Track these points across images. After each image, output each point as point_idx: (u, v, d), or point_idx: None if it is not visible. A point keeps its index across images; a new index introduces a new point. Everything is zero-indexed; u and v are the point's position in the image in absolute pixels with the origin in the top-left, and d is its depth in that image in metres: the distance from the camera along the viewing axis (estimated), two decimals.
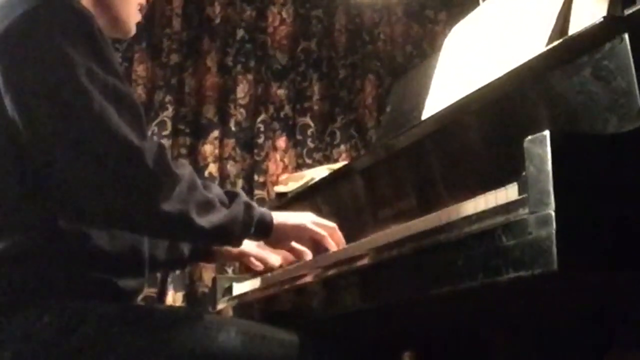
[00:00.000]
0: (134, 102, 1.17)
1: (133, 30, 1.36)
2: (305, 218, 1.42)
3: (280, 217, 1.38)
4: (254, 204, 1.32)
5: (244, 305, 1.67)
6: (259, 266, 1.65)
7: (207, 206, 1.19)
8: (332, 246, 1.41)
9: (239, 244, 1.32)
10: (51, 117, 1.10)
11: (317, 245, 1.42)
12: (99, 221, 1.17)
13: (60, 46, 1.11)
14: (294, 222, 1.40)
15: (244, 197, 1.30)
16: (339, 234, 1.45)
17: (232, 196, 1.28)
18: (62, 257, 1.18)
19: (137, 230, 1.20)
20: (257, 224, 1.31)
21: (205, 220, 1.18)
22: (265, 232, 1.35)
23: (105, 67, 1.14)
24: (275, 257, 1.60)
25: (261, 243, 1.50)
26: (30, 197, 1.16)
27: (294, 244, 1.44)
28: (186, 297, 3.04)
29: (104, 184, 1.11)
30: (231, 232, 1.25)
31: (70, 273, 1.18)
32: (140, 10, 1.36)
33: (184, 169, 1.19)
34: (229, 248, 1.59)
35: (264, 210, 1.35)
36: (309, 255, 1.47)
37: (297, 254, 1.47)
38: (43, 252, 1.16)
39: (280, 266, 1.62)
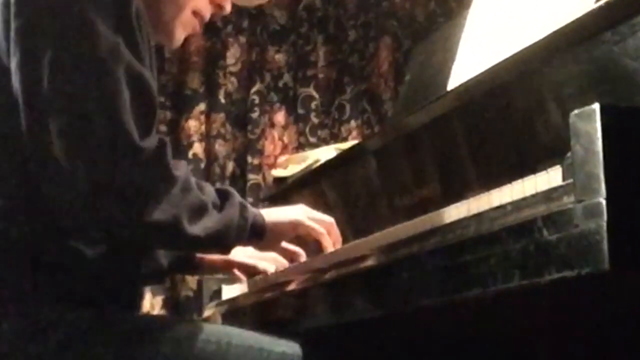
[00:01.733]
0: (152, 98, 1.20)
1: (179, 41, 1.43)
2: (299, 212, 1.44)
3: (272, 216, 1.41)
4: (248, 204, 1.34)
5: (235, 311, 1.68)
6: (242, 278, 1.66)
7: (199, 210, 1.22)
8: (330, 243, 1.44)
9: (229, 251, 1.36)
10: (56, 86, 1.12)
11: (312, 244, 1.44)
12: (76, 220, 1.17)
13: (87, 14, 1.14)
14: (288, 219, 1.42)
15: (237, 196, 1.32)
16: (337, 231, 1.48)
17: (224, 196, 1.29)
18: (28, 256, 1.19)
19: (119, 236, 1.21)
20: (252, 227, 1.33)
21: (198, 227, 1.21)
22: (259, 235, 1.38)
23: (133, 49, 1.18)
24: (266, 264, 1.61)
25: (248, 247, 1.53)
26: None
27: (284, 244, 1.45)
28: (166, 302, 3.06)
29: (90, 174, 1.11)
30: (225, 238, 1.28)
31: (38, 275, 1.19)
32: (195, 24, 1.42)
33: (181, 168, 1.22)
34: (214, 257, 1.61)
35: (255, 210, 1.37)
36: (302, 256, 1.48)
37: (290, 256, 1.48)
38: (5, 250, 1.17)
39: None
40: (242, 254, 1.62)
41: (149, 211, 1.14)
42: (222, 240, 1.28)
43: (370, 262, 1.18)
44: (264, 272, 1.61)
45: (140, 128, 1.15)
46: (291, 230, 1.43)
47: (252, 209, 1.35)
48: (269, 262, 1.62)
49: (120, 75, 1.14)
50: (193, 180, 1.23)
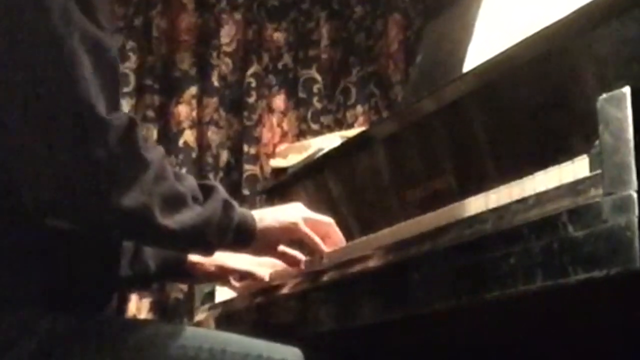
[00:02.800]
0: (114, 64, 1.18)
1: None
2: (294, 214, 1.44)
3: (264, 219, 1.39)
4: (234, 203, 1.33)
5: (230, 315, 1.68)
6: (238, 287, 1.66)
7: (175, 202, 1.21)
8: (323, 251, 1.43)
9: (212, 252, 1.34)
10: (8, 61, 1.12)
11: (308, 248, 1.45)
12: (37, 208, 1.17)
13: None
14: (280, 223, 1.41)
15: (222, 192, 1.31)
16: (337, 232, 1.47)
17: (207, 191, 1.29)
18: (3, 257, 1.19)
19: (84, 224, 1.20)
20: (237, 228, 1.32)
21: (171, 220, 1.19)
22: (246, 239, 1.36)
23: (87, 11, 1.15)
24: (264, 270, 1.61)
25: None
26: None
27: (282, 248, 1.45)
28: (154, 306, 3.06)
29: (50, 155, 1.11)
30: (203, 236, 1.26)
31: (11, 276, 1.19)
32: None
33: (154, 152, 1.20)
34: (206, 263, 1.61)
35: (245, 211, 1.36)
36: (302, 261, 1.48)
37: (289, 261, 1.48)
38: None
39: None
40: (238, 260, 1.62)
41: (116, 195, 1.13)
42: (200, 238, 1.26)
43: (377, 262, 1.18)
44: (262, 280, 1.61)
45: (105, 101, 1.13)
46: (284, 235, 1.42)
47: (241, 210, 1.34)
48: (267, 269, 1.62)
49: (75, 43, 1.12)
50: (170, 169, 1.22)
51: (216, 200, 1.28)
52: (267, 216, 1.41)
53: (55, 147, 1.11)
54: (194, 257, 1.61)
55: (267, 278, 1.60)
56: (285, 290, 1.43)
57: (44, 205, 1.15)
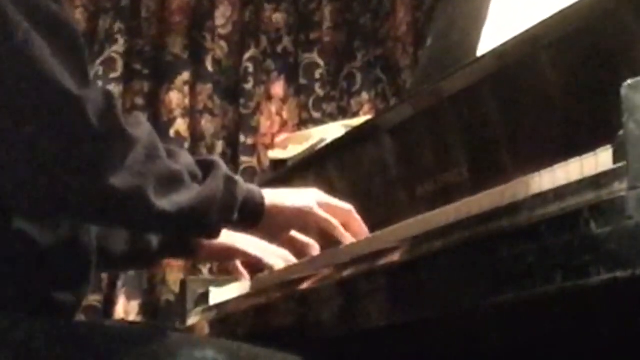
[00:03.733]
0: (75, 36, 1.16)
1: None
2: (309, 198, 1.42)
3: (275, 198, 1.38)
4: (239, 178, 1.32)
5: (226, 318, 1.68)
6: (243, 275, 1.66)
7: (171, 181, 1.20)
8: (347, 238, 1.41)
9: (216, 234, 1.33)
10: None
11: (326, 236, 1.42)
12: (17, 200, 1.17)
13: None
14: (294, 203, 1.40)
15: (223, 168, 1.30)
16: (358, 220, 1.45)
17: (206, 167, 1.28)
18: None
19: (72, 213, 1.20)
20: (243, 206, 1.31)
21: (168, 201, 1.18)
22: (254, 218, 1.36)
23: None
24: (274, 259, 1.60)
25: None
26: None
27: (294, 234, 1.44)
28: (143, 308, 3.06)
29: (25, 146, 1.11)
30: (205, 218, 1.25)
31: None
32: None
33: (141, 128, 1.19)
34: (211, 242, 1.59)
35: (252, 187, 1.35)
36: (315, 249, 1.47)
37: (299, 249, 1.47)
38: None
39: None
40: (248, 243, 1.61)
41: (103, 178, 1.12)
42: (201, 221, 1.25)
43: (384, 261, 1.18)
44: (271, 268, 1.60)
45: (72, 77, 1.12)
46: (297, 218, 1.40)
47: (245, 186, 1.33)
48: (276, 257, 1.60)
49: (28, 22, 1.11)
50: (161, 145, 1.21)
51: (217, 177, 1.27)
52: (278, 195, 1.40)
53: (30, 133, 1.11)
54: None
55: (276, 267, 1.59)
56: (287, 291, 1.43)
57: (21, 197, 1.15)
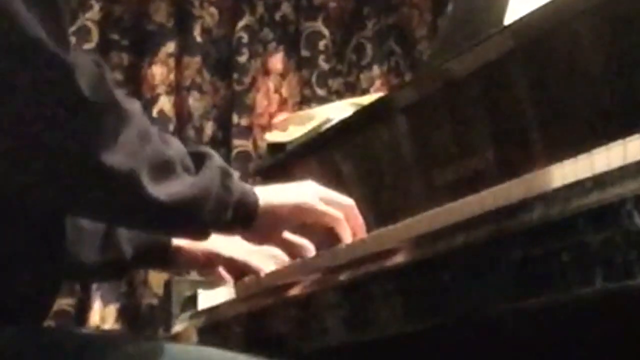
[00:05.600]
0: None
1: None
2: (305, 192, 1.43)
3: (269, 196, 1.39)
4: (234, 173, 1.33)
5: (216, 325, 1.69)
6: (227, 279, 1.67)
7: (163, 168, 1.20)
8: (348, 235, 1.42)
9: (205, 234, 1.34)
10: None
11: (325, 233, 1.43)
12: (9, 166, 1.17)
13: None
14: (291, 201, 1.41)
15: (217, 159, 1.30)
16: (358, 218, 1.46)
17: (199, 158, 1.28)
18: None
19: (57, 192, 1.20)
20: (237, 205, 1.31)
21: (161, 190, 1.18)
22: (247, 219, 1.36)
23: None
24: (261, 260, 1.61)
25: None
26: None
27: (287, 235, 1.45)
28: (122, 313, 3.07)
29: (7, 114, 1.11)
30: (199, 210, 1.25)
31: None
32: None
33: (133, 105, 1.20)
34: (193, 246, 1.61)
35: (243, 184, 1.36)
36: (310, 251, 1.48)
37: (295, 251, 1.47)
38: None
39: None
40: (231, 247, 1.62)
41: (96, 151, 1.11)
42: (195, 213, 1.25)
43: (399, 259, 1.18)
44: (258, 272, 1.61)
45: (57, 40, 1.11)
46: (294, 216, 1.41)
47: (240, 183, 1.34)
48: (265, 259, 1.62)
49: None
50: (153, 128, 1.22)
51: (211, 169, 1.28)
52: (271, 193, 1.40)
53: (12, 99, 1.11)
54: (178, 240, 1.61)
55: (265, 271, 1.60)
56: (285, 294, 1.44)
57: (10, 167, 1.15)
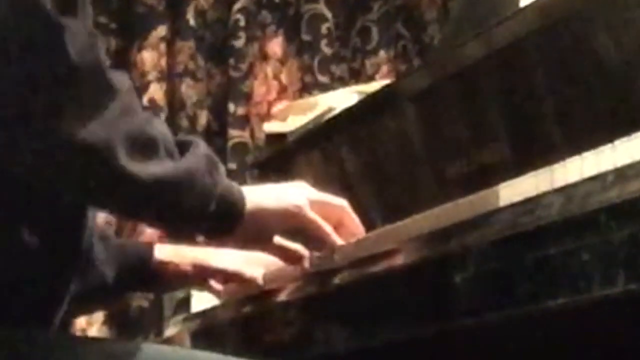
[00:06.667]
0: None
1: None
2: (297, 195, 1.42)
3: (257, 197, 1.38)
4: (219, 163, 1.32)
5: (210, 329, 1.69)
6: (218, 289, 1.68)
7: (144, 146, 1.20)
8: (336, 242, 1.42)
9: (188, 223, 1.33)
10: None
11: (315, 240, 1.43)
12: None
13: None
14: (279, 204, 1.40)
15: (203, 147, 1.30)
16: (354, 221, 1.46)
17: (184, 146, 1.28)
18: None
19: (30, 160, 1.19)
20: (222, 198, 1.30)
21: (141, 167, 1.19)
22: (231, 218, 1.34)
23: None
24: (256, 270, 1.61)
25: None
26: None
27: (278, 240, 1.44)
28: (110, 317, 3.07)
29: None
30: (179, 197, 1.25)
31: None
32: None
33: (122, 79, 1.20)
34: (180, 261, 1.61)
35: (230, 181, 1.35)
36: (304, 257, 1.47)
37: (287, 258, 1.47)
38: None
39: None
40: (222, 258, 1.63)
41: (73, 116, 1.13)
42: (177, 197, 1.25)
43: (406, 259, 1.18)
44: (252, 282, 1.61)
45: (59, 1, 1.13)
46: (282, 221, 1.40)
47: (226, 178, 1.33)
48: (258, 268, 1.61)
49: None
50: (140, 107, 1.23)
51: (196, 155, 1.28)
52: (259, 194, 1.39)
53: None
54: (163, 255, 1.61)
55: (260, 280, 1.61)
56: (282, 297, 1.44)
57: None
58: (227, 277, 1.65)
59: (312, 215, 1.42)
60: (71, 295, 1.50)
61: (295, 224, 1.42)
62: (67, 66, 1.13)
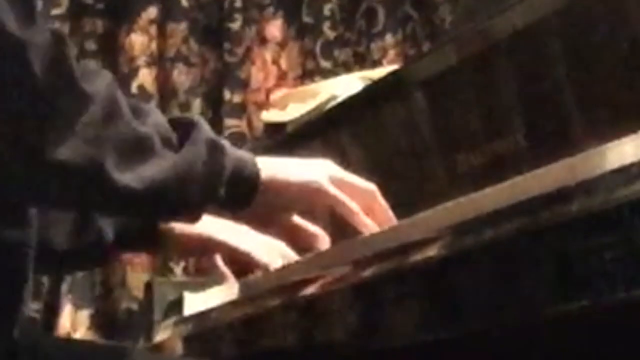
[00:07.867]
0: None
1: None
2: (318, 171, 1.42)
3: (273, 169, 1.38)
4: (226, 142, 1.32)
5: (205, 333, 1.69)
6: (227, 275, 1.67)
7: (136, 148, 1.20)
8: (367, 226, 1.41)
9: (196, 216, 1.34)
10: None
11: (339, 223, 1.42)
12: None
13: None
14: (299, 178, 1.40)
15: (205, 129, 1.31)
16: (383, 206, 1.45)
17: (184, 128, 1.28)
18: None
19: (14, 187, 1.20)
20: (231, 180, 1.31)
21: (133, 175, 1.19)
22: (245, 196, 1.36)
23: None
24: (268, 254, 1.60)
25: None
26: None
27: (297, 220, 1.44)
28: (96, 319, 3.08)
29: None
30: (182, 195, 1.26)
31: None
32: None
33: (98, 79, 1.20)
34: (186, 228, 1.61)
35: (242, 154, 1.35)
36: (324, 241, 1.47)
37: (303, 241, 1.47)
38: None
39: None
40: (232, 233, 1.62)
41: (50, 144, 1.13)
42: (178, 198, 1.26)
43: (416, 256, 1.18)
44: (264, 268, 1.61)
45: (15, 12, 1.12)
46: (302, 198, 1.40)
47: (234, 153, 1.33)
48: (274, 254, 1.61)
49: None
50: (124, 101, 1.22)
51: (198, 141, 1.28)
52: (277, 166, 1.40)
53: None
54: None
55: (271, 266, 1.59)
56: (289, 296, 1.43)
57: None
58: (233, 255, 1.64)
59: (336, 191, 1.40)
60: (64, 250, 1.52)
61: (314, 202, 1.41)
62: (34, 86, 1.13)
